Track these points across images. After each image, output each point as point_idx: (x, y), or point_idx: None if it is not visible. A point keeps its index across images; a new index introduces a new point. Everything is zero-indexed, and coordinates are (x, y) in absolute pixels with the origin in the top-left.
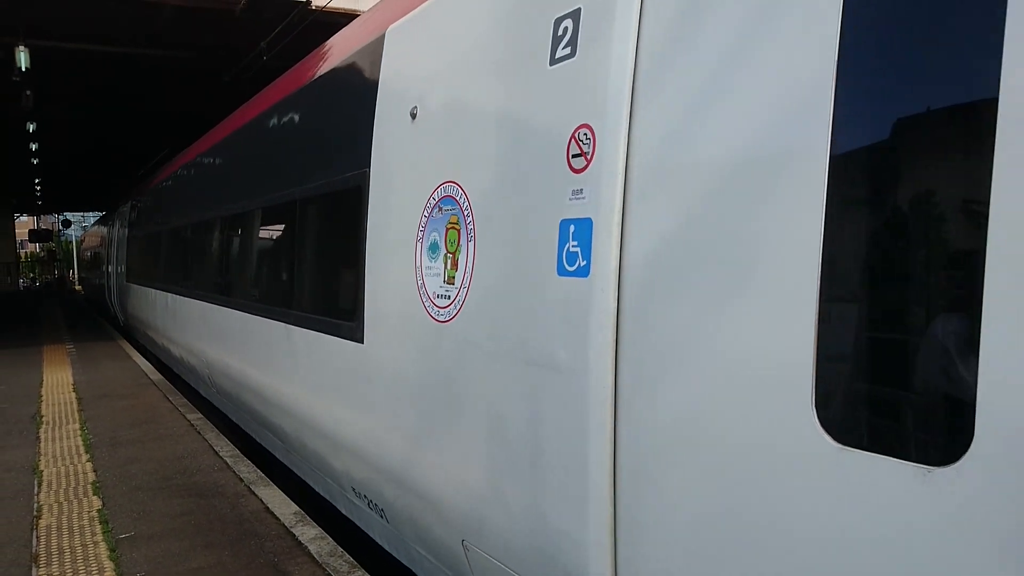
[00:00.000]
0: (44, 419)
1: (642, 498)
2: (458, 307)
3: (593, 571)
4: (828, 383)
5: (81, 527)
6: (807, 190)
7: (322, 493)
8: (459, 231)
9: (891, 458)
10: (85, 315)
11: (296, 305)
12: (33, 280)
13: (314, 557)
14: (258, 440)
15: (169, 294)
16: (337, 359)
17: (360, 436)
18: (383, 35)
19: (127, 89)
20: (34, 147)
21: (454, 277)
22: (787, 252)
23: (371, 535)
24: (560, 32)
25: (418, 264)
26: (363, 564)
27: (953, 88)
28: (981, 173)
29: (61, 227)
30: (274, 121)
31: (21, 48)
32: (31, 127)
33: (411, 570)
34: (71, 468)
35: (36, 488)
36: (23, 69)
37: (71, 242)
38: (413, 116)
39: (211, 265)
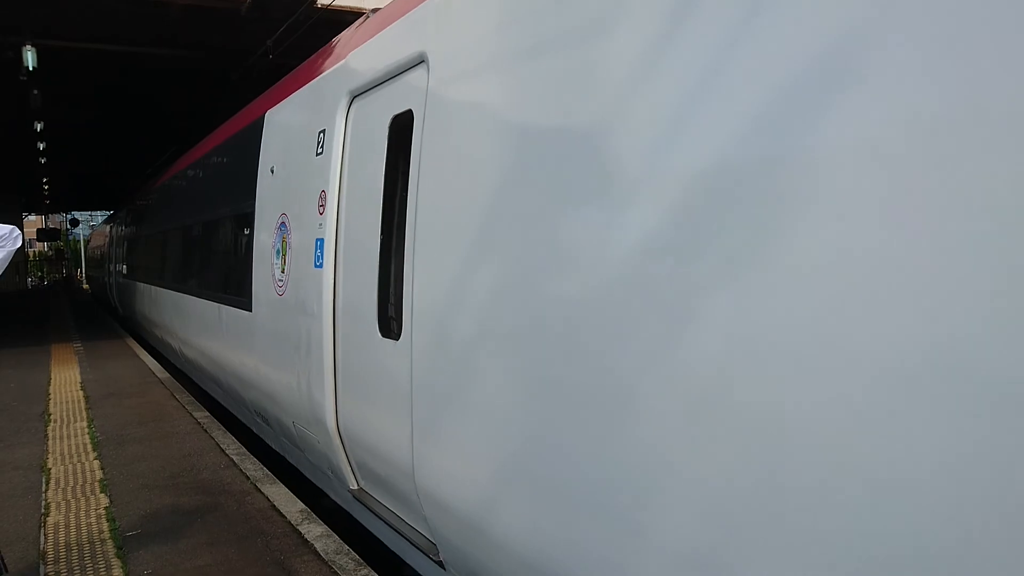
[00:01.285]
0: (52, 417)
1: (343, 375)
2: (285, 286)
3: (327, 418)
4: (380, 316)
5: (88, 525)
6: (374, 227)
7: (244, 421)
8: (286, 243)
9: (388, 339)
10: (92, 312)
11: (221, 290)
12: (41, 279)
13: (320, 555)
14: (209, 392)
15: (150, 286)
16: (240, 323)
17: (251, 372)
18: (263, 116)
19: (134, 88)
20: (42, 146)
21: (284, 269)
22: (372, 255)
23: (265, 440)
24: (319, 139)
25: (272, 262)
26: (369, 563)
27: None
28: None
29: (69, 226)
30: (208, 161)
31: (28, 47)
32: (39, 126)
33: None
34: (79, 466)
35: (44, 486)
36: (30, 68)
37: (79, 241)
38: (272, 171)
39: (174, 264)
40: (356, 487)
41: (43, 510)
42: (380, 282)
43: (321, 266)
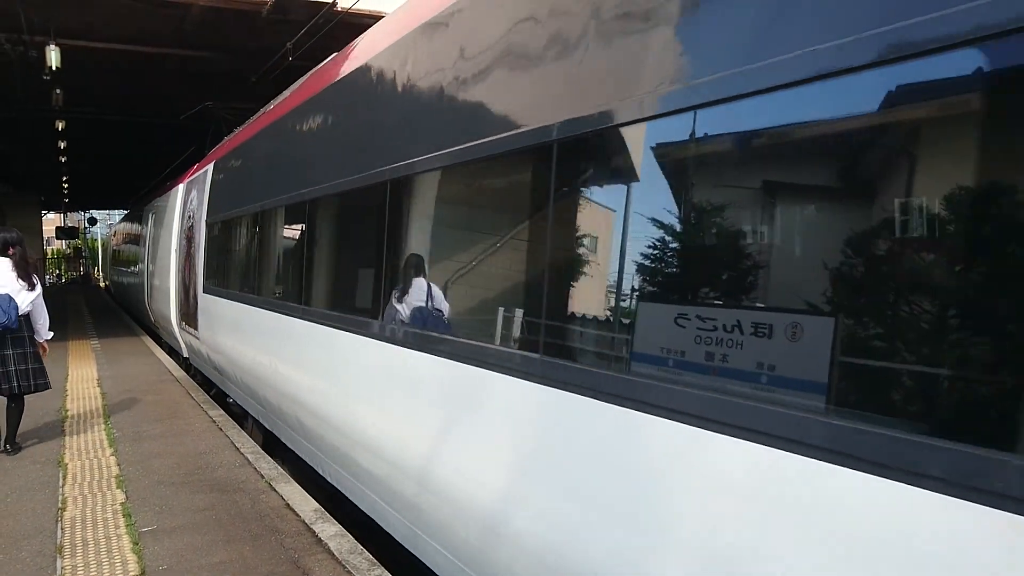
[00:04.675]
0: (69, 413)
1: (149, 295)
2: (146, 270)
3: (144, 306)
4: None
5: (105, 520)
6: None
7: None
8: (148, 254)
9: (154, 284)
10: (110, 310)
11: (134, 268)
12: (59, 277)
13: (334, 554)
14: (125, 307)
15: (120, 272)
16: (139, 280)
17: (143, 297)
18: (147, 206)
19: (154, 88)
20: (62, 145)
21: (145, 263)
22: (146, 259)
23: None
24: (148, 220)
25: (141, 260)
26: (383, 563)
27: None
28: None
29: (87, 224)
30: (138, 214)
31: (52, 47)
32: (60, 125)
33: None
34: (95, 462)
35: (61, 480)
36: (54, 68)
37: (96, 239)
38: (143, 226)
39: (124, 263)
40: (153, 321)
41: (60, 504)
42: (147, 267)
43: (144, 261)
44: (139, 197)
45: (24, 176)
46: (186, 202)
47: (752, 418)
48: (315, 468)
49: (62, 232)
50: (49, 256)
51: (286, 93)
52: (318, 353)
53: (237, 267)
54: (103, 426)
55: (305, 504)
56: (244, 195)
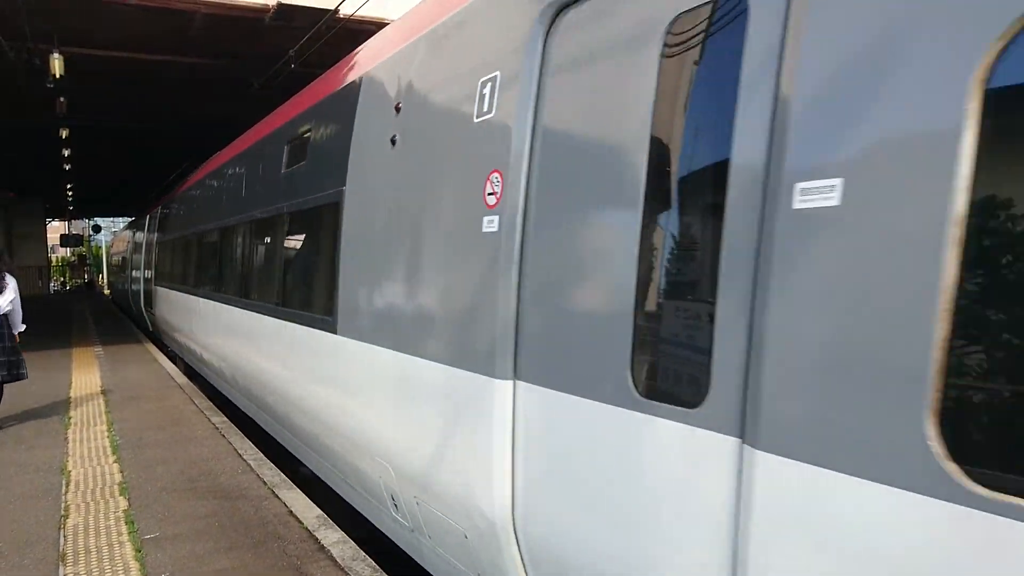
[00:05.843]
0: (72, 420)
1: (132, 298)
2: (135, 275)
3: (140, 305)
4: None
5: (107, 527)
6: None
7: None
8: (141, 260)
9: (156, 286)
10: (114, 318)
11: (133, 274)
12: (63, 284)
13: (336, 561)
14: (124, 307)
15: (121, 277)
16: (143, 284)
17: (137, 294)
18: (131, 225)
19: (158, 96)
20: (66, 153)
21: (131, 267)
22: (142, 265)
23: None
24: (132, 236)
25: (130, 266)
26: (385, 569)
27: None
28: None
29: (91, 232)
30: (125, 234)
31: (56, 55)
32: (64, 133)
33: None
34: (98, 469)
35: (64, 488)
36: (57, 76)
37: (100, 247)
38: (130, 240)
39: (126, 269)
40: (135, 311)
41: (63, 512)
42: (130, 272)
43: (129, 266)
44: (140, 207)
45: (29, 184)
46: (149, 226)
47: None
48: (204, 377)
49: (67, 239)
50: (54, 264)
51: (191, 174)
52: (193, 310)
53: (167, 269)
54: (106, 433)
55: (308, 511)
56: (172, 227)
